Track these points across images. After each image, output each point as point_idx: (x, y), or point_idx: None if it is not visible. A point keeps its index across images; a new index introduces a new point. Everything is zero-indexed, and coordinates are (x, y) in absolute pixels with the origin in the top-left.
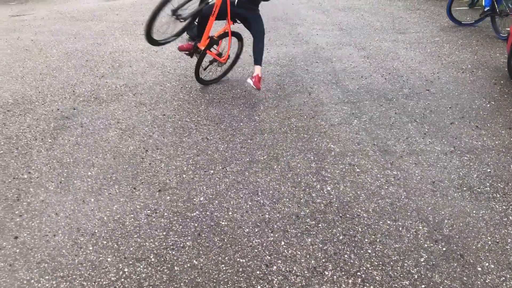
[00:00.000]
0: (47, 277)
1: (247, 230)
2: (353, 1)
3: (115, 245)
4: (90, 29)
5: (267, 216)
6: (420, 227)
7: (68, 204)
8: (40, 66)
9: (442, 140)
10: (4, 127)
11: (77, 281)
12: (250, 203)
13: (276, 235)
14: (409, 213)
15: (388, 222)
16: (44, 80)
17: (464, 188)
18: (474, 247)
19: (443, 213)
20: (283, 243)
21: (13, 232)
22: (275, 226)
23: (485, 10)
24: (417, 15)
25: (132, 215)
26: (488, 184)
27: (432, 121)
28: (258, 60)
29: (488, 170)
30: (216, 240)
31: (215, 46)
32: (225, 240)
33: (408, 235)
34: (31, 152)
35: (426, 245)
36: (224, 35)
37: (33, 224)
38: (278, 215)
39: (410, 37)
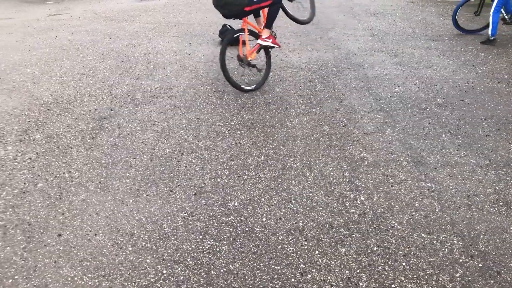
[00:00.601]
0: (89, 275)
1: (281, 237)
2: (385, 6)
3: (154, 247)
4: (124, 29)
5: (301, 224)
6: (455, 242)
7: (108, 204)
8: (77, 66)
9: (477, 152)
10: (45, 126)
11: (118, 281)
12: (283, 210)
13: (310, 244)
14: (443, 227)
15: (422, 235)
16: (81, 80)
17: (501, 204)
18: (511, 264)
19: (478, 228)
20: (317, 252)
21: (56, 230)
22: (309, 234)
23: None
24: (450, 21)
25: (169, 217)
26: None
27: (466, 132)
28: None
29: None
30: (251, 246)
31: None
32: (260, 247)
33: (443, 249)
34: (71, 152)
35: (461, 260)
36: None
37: (75, 222)
38: (311, 223)
39: (444, 44)
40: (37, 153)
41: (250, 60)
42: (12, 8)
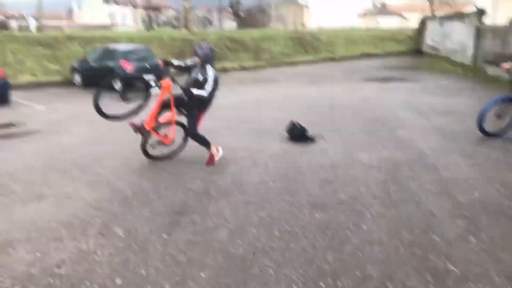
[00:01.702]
0: None
1: None
2: (452, 105)
3: None
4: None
5: None
6: None
7: None
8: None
9: None
10: (124, 220)
11: None
12: None
13: None
14: None
15: None
16: (159, 173)
17: None
18: None
19: None
20: None
21: None
22: None
23: None
24: None
25: None
26: None
27: None
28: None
29: None
30: None
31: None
32: None
33: None
34: (148, 248)
35: None
36: (168, 122)
37: None
38: None
39: None
40: (116, 247)
41: None
42: None
